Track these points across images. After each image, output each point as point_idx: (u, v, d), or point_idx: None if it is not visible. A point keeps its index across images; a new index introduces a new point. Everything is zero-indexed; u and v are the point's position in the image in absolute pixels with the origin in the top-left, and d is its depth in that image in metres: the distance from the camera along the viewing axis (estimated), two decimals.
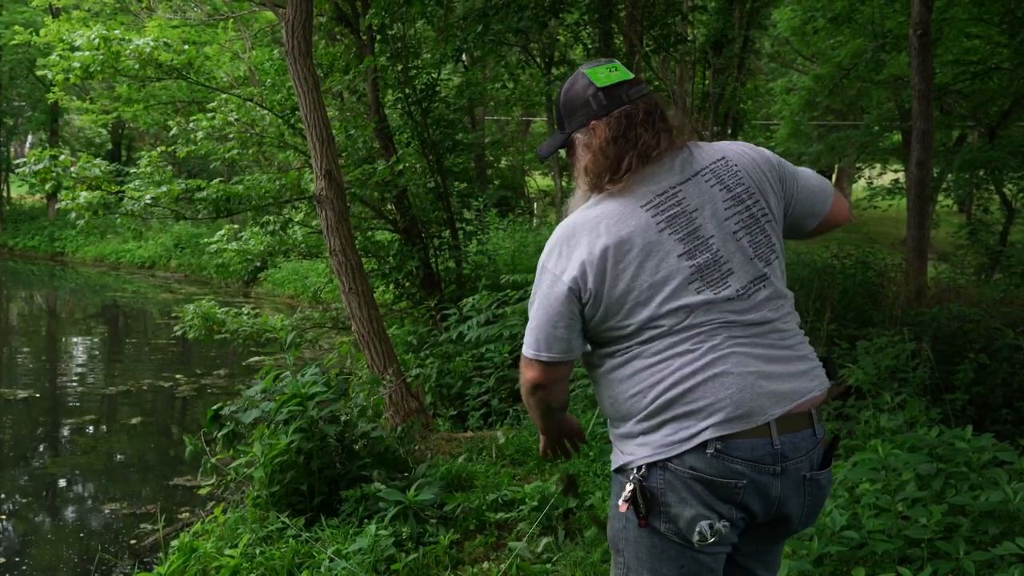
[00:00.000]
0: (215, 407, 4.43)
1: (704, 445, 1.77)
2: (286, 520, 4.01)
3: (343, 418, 4.41)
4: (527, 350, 1.91)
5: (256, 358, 5.65)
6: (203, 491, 4.95)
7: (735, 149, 1.98)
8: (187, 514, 5.91)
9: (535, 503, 3.73)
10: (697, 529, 1.79)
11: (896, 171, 17.25)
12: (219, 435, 4.36)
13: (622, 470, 1.91)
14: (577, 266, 1.83)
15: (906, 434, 3.98)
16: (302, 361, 6.76)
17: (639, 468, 1.83)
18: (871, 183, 17.74)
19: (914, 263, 8.64)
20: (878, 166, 18.99)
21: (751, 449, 1.79)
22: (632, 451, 1.87)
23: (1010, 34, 10.81)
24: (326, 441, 4.26)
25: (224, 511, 4.21)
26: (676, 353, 1.82)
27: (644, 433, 1.85)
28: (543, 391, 1.95)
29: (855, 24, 13.19)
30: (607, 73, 1.94)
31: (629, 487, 1.83)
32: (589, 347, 1.97)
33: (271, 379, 4.41)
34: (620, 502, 1.86)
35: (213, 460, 4.40)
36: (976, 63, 12.72)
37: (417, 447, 5.03)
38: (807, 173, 2.07)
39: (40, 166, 7.44)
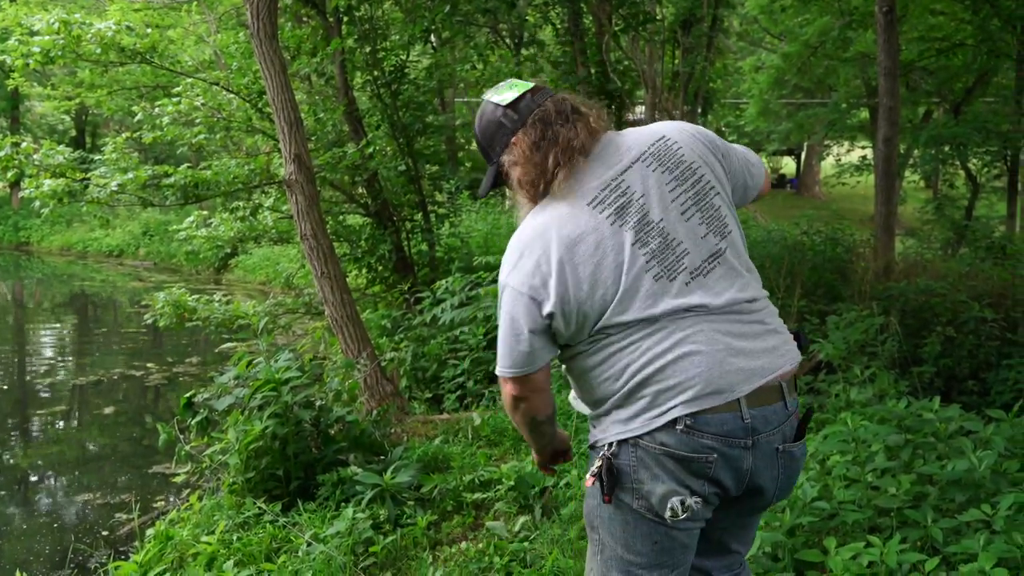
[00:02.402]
0: (188, 394, 4.40)
1: (674, 422, 1.80)
2: (262, 506, 4.00)
3: (318, 403, 4.40)
4: (499, 368, 1.93)
5: (228, 344, 5.59)
6: (178, 479, 4.92)
7: (673, 127, 2.00)
8: (163, 503, 5.86)
9: (511, 483, 3.75)
10: (669, 505, 1.82)
11: (864, 148, 17.43)
12: (193, 422, 4.34)
13: (594, 447, 1.96)
14: (536, 274, 1.83)
15: (875, 407, 4.06)
16: (275, 347, 6.72)
17: (609, 445, 1.87)
18: (839, 160, 17.92)
19: (882, 238, 8.75)
20: (846, 143, 19.18)
21: (721, 424, 1.81)
22: (605, 428, 1.90)
23: (973, 10, 10.93)
24: (301, 426, 4.25)
25: (200, 498, 4.19)
26: (645, 334, 1.84)
27: (617, 411, 1.88)
28: (524, 403, 1.95)
29: (822, 2, 13.27)
30: (508, 90, 1.96)
31: (597, 463, 1.87)
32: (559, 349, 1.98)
33: (244, 365, 4.38)
34: (588, 476, 1.90)
35: (187, 448, 4.38)
36: (941, 40, 12.86)
37: (393, 430, 5.03)
38: (740, 147, 2.12)
39: (1, 154, 7.28)
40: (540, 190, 1.89)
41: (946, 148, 11.50)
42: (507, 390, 1.93)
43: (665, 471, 1.81)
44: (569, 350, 1.94)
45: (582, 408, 2.06)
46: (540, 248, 1.83)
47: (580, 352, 1.91)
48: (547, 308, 1.82)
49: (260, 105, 8.55)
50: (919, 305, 6.78)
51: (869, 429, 3.48)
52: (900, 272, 7.81)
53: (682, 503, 1.82)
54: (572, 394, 2.13)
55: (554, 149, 1.86)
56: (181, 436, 4.43)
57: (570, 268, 1.81)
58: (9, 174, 7.65)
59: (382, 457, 4.36)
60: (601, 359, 1.88)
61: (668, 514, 1.83)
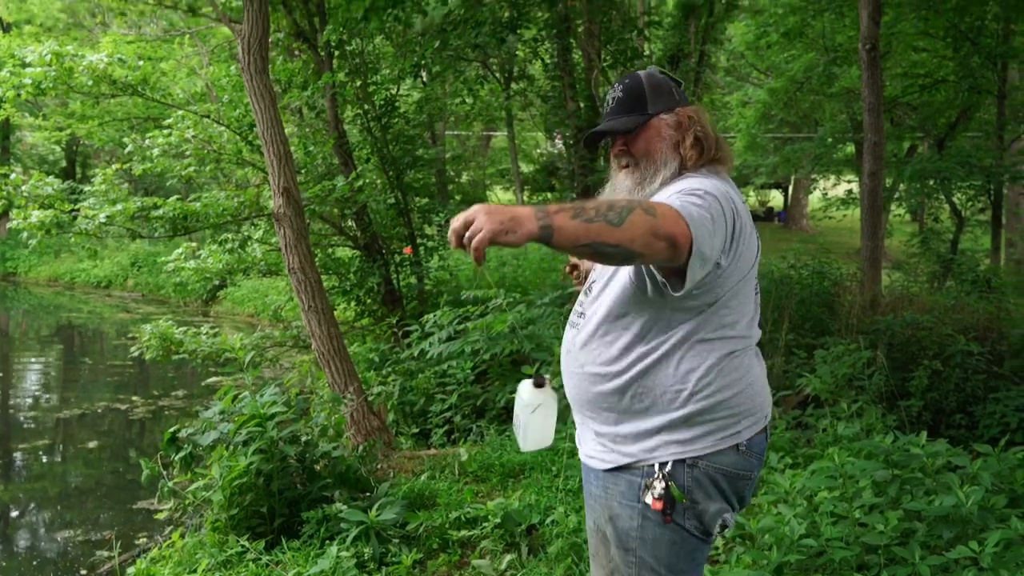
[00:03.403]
0: (172, 429, 4.35)
1: (737, 445, 1.90)
2: (245, 543, 3.94)
3: (304, 438, 4.36)
4: (689, 224, 1.65)
5: (214, 379, 5.56)
6: (160, 515, 4.85)
7: None
8: (145, 539, 5.77)
9: (498, 520, 3.72)
10: (719, 521, 1.90)
11: (850, 182, 17.61)
12: (176, 458, 4.28)
13: (631, 468, 1.92)
14: (741, 205, 1.88)
15: (863, 442, 4.06)
16: (261, 381, 6.68)
17: (662, 465, 1.87)
18: (826, 194, 18.09)
19: (869, 272, 8.81)
20: (832, 177, 19.38)
21: (760, 444, 1.95)
22: (652, 447, 1.89)
23: (954, 48, 11.11)
24: (286, 462, 4.20)
25: (182, 536, 4.13)
26: (742, 350, 1.92)
27: (678, 428, 1.88)
28: (667, 245, 1.60)
29: (807, 39, 13.47)
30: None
31: (660, 484, 1.86)
32: (669, 310, 1.85)
33: (229, 400, 4.34)
34: (651, 500, 1.87)
35: (170, 484, 4.32)
36: (924, 76, 13.05)
37: (379, 466, 4.99)
38: None
39: None
40: (711, 155, 1.97)
41: (930, 182, 11.62)
42: (672, 228, 1.61)
43: (718, 490, 1.89)
44: (675, 319, 1.85)
45: (597, 429, 1.97)
46: (735, 198, 1.87)
47: (682, 330, 1.86)
48: (736, 230, 1.82)
49: (250, 138, 8.58)
50: (906, 339, 6.81)
51: (856, 465, 3.47)
52: (887, 305, 7.84)
53: (730, 518, 1.92)
54: (531, 428, 2.07)
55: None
56: (165, 472, 4.38)
57: (746, 232, 1.86)
58: None
59: (367, 493, 4.32)
60: (697, 361, 1.87)
61: (716, 530, 1.90)
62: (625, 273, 1.88)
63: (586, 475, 2.08)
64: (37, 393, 11.98)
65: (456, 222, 1.55)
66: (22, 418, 10.26)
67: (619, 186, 2.03)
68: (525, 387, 2.12)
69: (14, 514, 7.26)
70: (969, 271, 9.76)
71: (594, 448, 2.00)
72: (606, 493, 1.96)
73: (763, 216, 30.08)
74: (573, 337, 2.04)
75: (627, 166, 2.01)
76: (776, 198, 32.71)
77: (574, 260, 2.28)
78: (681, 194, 1.77)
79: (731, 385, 1.89)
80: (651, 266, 1.77)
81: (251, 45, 5.02)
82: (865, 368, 5.98)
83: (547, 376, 2.10)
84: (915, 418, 6.13)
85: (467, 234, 1.54)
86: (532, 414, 2.07)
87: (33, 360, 14.76)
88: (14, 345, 16.51)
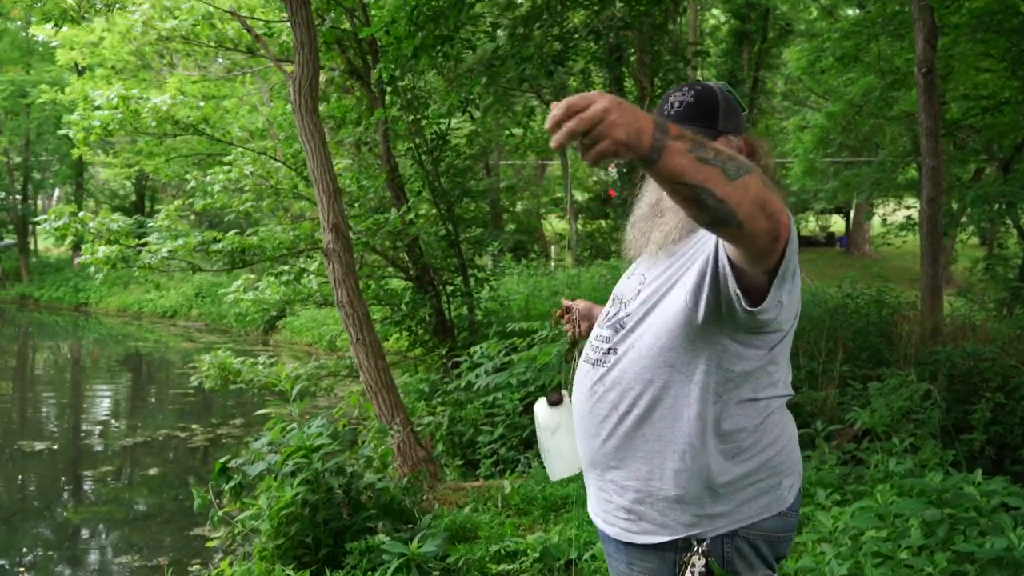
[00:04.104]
0: (222, 460, 4.47)
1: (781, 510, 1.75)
2: (291, 573, 4.02)
3: (349, 469, 4.43)
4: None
5: (264, 410, 5.70)
6: (212, 543, 4.97)
7: None
8: (199, 566, 5.92)
9: (537, 554, 3.72)
10: None
11: (909, 207, 17.19)
12: (227, 488, 4.39)
13: (670, 546, 1.70)
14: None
15: (912, 479, 3.94)
16: (314, 410, 6.80)
17: (700, 541, 1.68)
18: (885, 220, 17.68)
19: (929, 300, 8.59)
20: (891, 203, 18.94)
21: (799, 501, 1.80)
22: (691, 521, 1.68)
23: (1012, 70, 10.83)
24: (332, 493, 4.28)
25: (231, 564, 4.23)
26: (782, 407, 1.78)
27: (724, 497, 1.68)
28: (759, 213, 1.42)
29: (863, 63, 13.28)
30: None
31: (699, 561, 1.67)
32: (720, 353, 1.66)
33: (277, 431, 4.45)
34: None
35: (220, 513, 4.43)
36: (986, 98, 12.73)
37: (424, 497, 5.03)
38: None
39: (60, 223, 7.63)
40: None
41: (995, 206, 11.28)
42: (779, 210, 1.45)
43: (759, 556, 1.72)
44: (733, 353, 1.67)
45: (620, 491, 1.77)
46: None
47: (738, 369, 1.67)
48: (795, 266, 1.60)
49: (305, 173, 8.82)
50: (967, 370, 6.60)
51: (903, 503, 3.38)
52: (948, 335, 7.62)
53: None
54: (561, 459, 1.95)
55: None
56: (214, 500, 4.49)
57: (797, 273, 1.63)
58: (67, 242, 7.99)
59: (411, 525, 4.36)
60: (753, 406, 1.70)
61: None
62: (675, 303, 1.67)
63: (605, 543, 1.84)
64: (105, 420, 12.42)
65: (581, 102, 1.28)
66: (92, 444, 10.64)
67: (664, 203, 1.79)
68: (541, 408, 1.95)
69: (82, 536, 7.53)
70: None
71: (615, 514, 1.77)
72: (630, 569, 1.75)
73: (824, 241, 29.54)
74: (599, 376, 1.77)
75: None
76: (838, 223, 32.10)
77: (567, 303, 2.13)
78: None
79: (774, 443, 1.73)
80: (728, 268, 1.54)
81: (302, 87, 5.20)
82: (922, 401, 5.81)
83: (564, 392, 1.94)
84: (978, 453, 5.92)
85: (593, 131, 1.27)
86: (553, 436, 1.91)
87: (102, 388, 15.29)
88: (85, 373, 17.13)
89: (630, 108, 1.29)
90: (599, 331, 1.85)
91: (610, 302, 1.90)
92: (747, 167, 1.39)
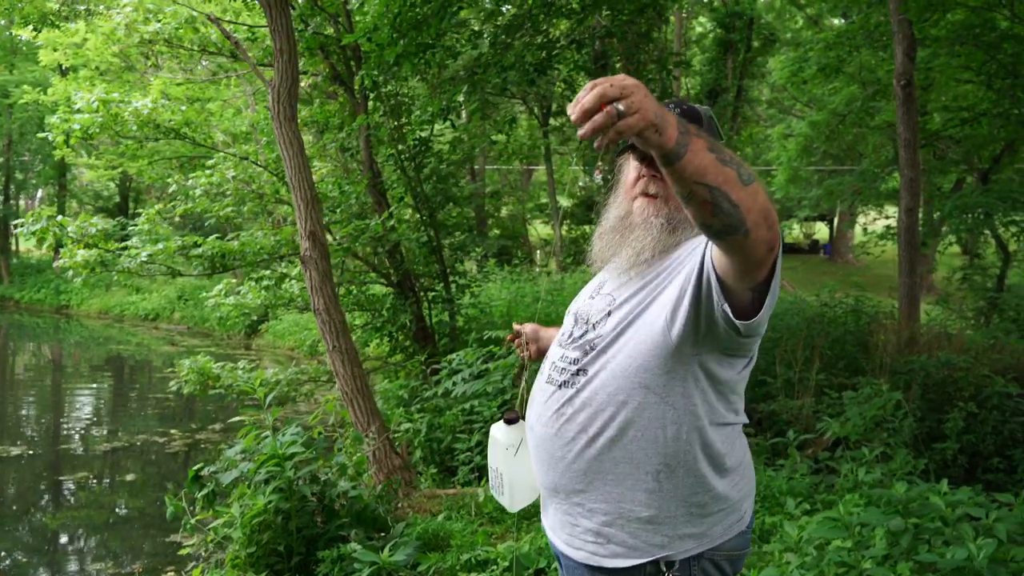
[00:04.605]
0: (196, 467, 4.47)
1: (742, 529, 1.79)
2: None
3: (323, 477, 4.44)
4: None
5: (238, 417, 5.69)
6: (184, 551, 4.96)
7: None
8: (172, 573, 5.90)
9: (506, 563, 3.73)
10: None
11: (889, 216, 17.36)
12: (199, 495, 4.39)
13: (639, 570, 1.69)
14: None
15: (879, 490, 3.99)
16: (294, 415, 6.77)
17: (669, 564, 1.68)
18: (866, 229, 17.85)
19: (906, 309, 8.67)
20: (872, 212, 19.11)
21: (753, 519, 1.82)
22: (660, 541, 1.68)
23: (987, 84, 10.97)
24: (305, 501, 4.28)
25: (202, 572, 4.22)
26: (742, 431, 1.80)
27: (698, 517, 1.69)
28: (763, 223, 1.40)
29: (845, 74, 13.40)
30: None
31: None
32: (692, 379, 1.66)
33: (251, 439, 4.45)
34: None
35: (193, 521, 4.43)
36: (965, 110, 12.87)
37: (399, 505, 5.04)
38: None
39: (38, 226, 7.58)
40: None
41: (972, 216, 11.41)
42: (776, 223, 1.45)
43: (722, 574, 1.74)
44: (700, 371, 1.67)
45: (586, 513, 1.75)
46: None
47: (707, 388, 1.67)
48: None
49: (287, 178, 8.81)
50: (941, 379, 6.67)
51: (868, 514, 3.42)
52: (923, 344, 7.69)
53: None
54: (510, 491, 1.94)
55: None
56: (188, 508, 4.49)
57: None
58: (44, 245, 7.95)
59: (384, 533, 4.37)
60: (724, 431, 1.71)
61: None
62: (651, 323, 1.65)
63: (568, 569, 1.80)
64: (85, 424, 12.34)
65: (607, 84, 1.24)
66: (71, 448, 10.58)
67: (635, 218, 1.77)
68: (498, 429, 1.92)
69: (59, 542, 7.48)
70: (1012, 309, 9.53)
71: (581, 538, 1.74)
72: None
73: (808, 249, 29.72)
74: (568, 398, 1.74)
75: (654, 196, 1.76)
76: (822, 230, 32.32)
77: (517, 327, 2.11)
78: None
79: (741, 466, 1.76)
80: (716, 284, 1.52)
81: (280, 95, 5.21)
82: (895, 410, 5.87)
83: (517, 412, 1.91)
84: (950, 461, 5.99)
85: (621, 107, 1.23)
86: (515, 457, 1.87)
87: (83, 391, 15.19)
88: (66, 376, 17.01)
89: (654, 98, 1.29)
90: (564, 352, 1.81)
91: (571, 321, 1.86)
92: (754, 174, 1.38)
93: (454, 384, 6.15)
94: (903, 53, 8.63)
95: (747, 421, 1.79)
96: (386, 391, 8.20)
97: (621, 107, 1.23)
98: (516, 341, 2.14)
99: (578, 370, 1.74)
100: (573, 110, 1.26)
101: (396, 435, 6.38)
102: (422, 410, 6.98)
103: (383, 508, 4.63)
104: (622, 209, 1.82)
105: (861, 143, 17.11)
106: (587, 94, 1.24)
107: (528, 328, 2.12)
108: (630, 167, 1.84)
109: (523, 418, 1.92)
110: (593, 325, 1.76)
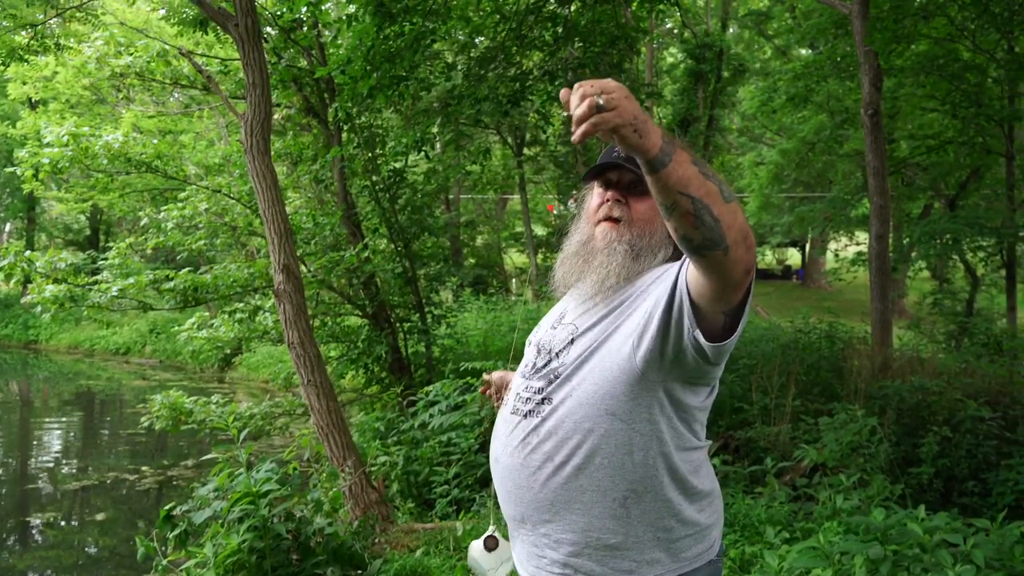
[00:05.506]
0: (167, 507, 4.37)
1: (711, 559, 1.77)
2: None
3: (298, 514, 4.36)
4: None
5: (211, 455, 5.60)
6: None
7: None
8: None
9: None
10: None
11: (860, 243, 17.63)
12: (171, 535, 4.29)
13: None
14: None
15: (858, 517, 3.99)
16: (269, 449, 6.67)
17: None
18: (837, 255, 18.10)
19: (878, 334, 8.75)
20: (843, 239, 19.41)
21: (723, 549, 1.81)
22: (628, 567, 1.67)
23: (952, 113, 11.22)
24: (280, 539, 4.20)
25: None
26: (708, 457, 1.81)
27: (666, 543, 1.68)
28: (742, 242, 1.41)
29: (814, 103, 13.65)
30: None
31: None
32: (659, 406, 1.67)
33: (224, 477, 4.36)
34: None
35: (165, 561, 4.32)
36: (931, 137, 13.14)
37: (376, 540, 4.96)
38: None
39: (5, 262, 7.47)
40: None
41: (939, 242, 11.61)
42: (753, 245, 1.46)
43: None
44: (669, 400, 1.68)
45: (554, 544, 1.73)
46: None
47: (676, 417, 1.68)
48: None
49: (260, 211, 8.77)
50: (915, 403, 6.72)
51: (847, 542, 3.42)
52: (897, 369, 7.77)
53: None
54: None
55: None
56: (162, 548, 4.39)
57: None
58: (12, 281, 7.82)
59: (360, 571, 4.29)
60: (692, 456, 1.73)
61: None
62: (616, 350, 1.65)
63: None
64: (54, 461, 12.07)
65: (588, 85, 1.30)
66: (39, 487, 10.33)
67: (597, 243, 1.78)
68: (477, 552, 1.94)
69: None
70: (981, 333, 9.66)
71: (548, 570, 1.73)
72: None
73: (780, 275, 30.02)
74: (533, 427, 1.73)
75: (617, 220, 1.77)
76: (794, 256, 32.69)
77: (486, 376, 2.09)
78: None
79: (711, 492, 1.77)
80: (689, 307, 1.53)
81: (254, 128, 5.19)
82: (871, 436, 5.90)
83: (498, 535, 1.92)
84: (927, 486, 6.02)
85: (600, 100, 1.28)
86: None
87: (52, 427, 14.89)
88: (34, 412, 16.67)
89: (636, 101, 1.33)
90: (528, 382, 1.80)
91: (533, 352, 1.85)
92: (735, 194, 1.40)
93: (431, 416, 6.10)
94: (870, 83, 8.80)
95: (709, 443, 1.81)
96: (362, 423, 8.12)
97: (601, 101, 1.27)
98: (487, 392, 2.11)
99: (543, 399, 1.74)
100: (565, 96, 1.33)
101: (373, 468, 6.30)
102: (399, 442, 6.92)
103: (360, 544, 4.55)
104: (584, 235, 1.83)
105: (831, 170, 17.41)
106: (572, 94, 1.31)
107: (495, 376, 2.09)
108: (593, 195, 1.86)
109: (506, 538, 1.92)
110: (556, 354, 1.77)
